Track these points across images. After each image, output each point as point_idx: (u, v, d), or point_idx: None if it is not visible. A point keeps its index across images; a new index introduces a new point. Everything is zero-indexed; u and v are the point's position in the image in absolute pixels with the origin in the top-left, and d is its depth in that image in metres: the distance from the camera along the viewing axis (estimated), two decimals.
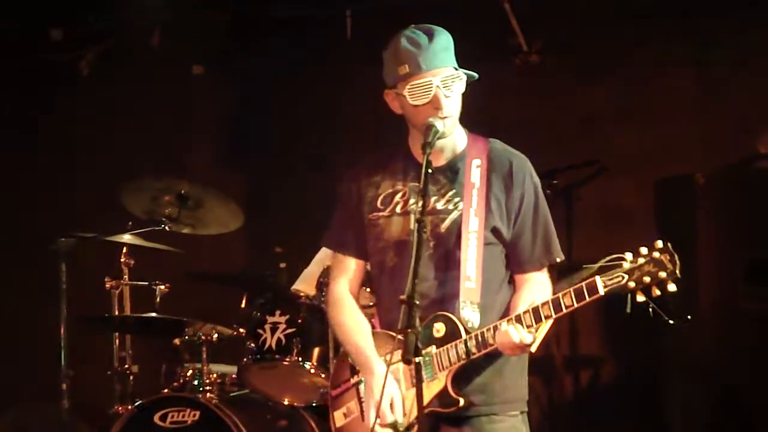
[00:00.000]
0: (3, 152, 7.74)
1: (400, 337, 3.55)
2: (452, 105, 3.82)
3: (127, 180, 6.16)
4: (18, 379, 7.43)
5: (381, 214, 3.99)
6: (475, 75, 3.89)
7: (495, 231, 3.87)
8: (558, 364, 6.82)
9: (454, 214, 3.88)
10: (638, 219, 6.80)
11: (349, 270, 4.14)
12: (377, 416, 3.78)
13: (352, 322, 4.07)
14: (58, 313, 5.74)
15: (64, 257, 5.78)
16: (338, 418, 4.14)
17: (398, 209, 3.96)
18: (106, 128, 7.75)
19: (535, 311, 3.66)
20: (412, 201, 3.92)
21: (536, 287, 3.88)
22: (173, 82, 7.71)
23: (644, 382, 6.80)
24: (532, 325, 3.66)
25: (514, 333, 3.64)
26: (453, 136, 3.93)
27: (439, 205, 3.91)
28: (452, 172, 3.93)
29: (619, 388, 7.00)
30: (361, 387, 4.04)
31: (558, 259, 3.93)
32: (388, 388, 3.78)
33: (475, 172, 3.90)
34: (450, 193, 3.91)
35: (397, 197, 3.97)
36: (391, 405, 3.83)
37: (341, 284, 4.14)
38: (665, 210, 6.23)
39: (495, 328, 3.70)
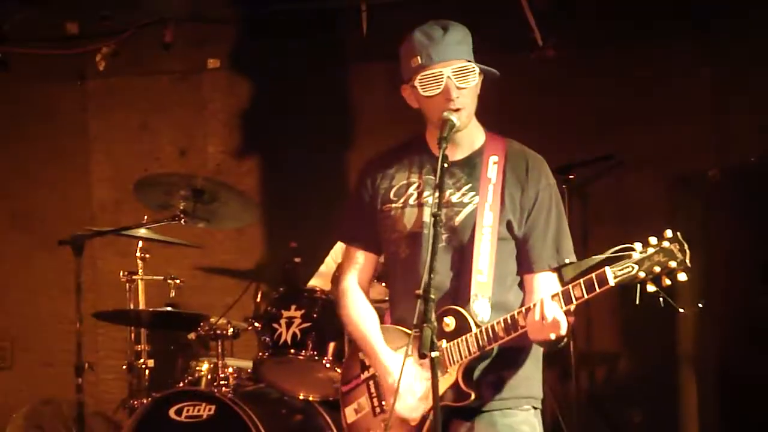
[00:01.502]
0: (19, 147, 7.76)
1: (414, 332, 3.56)
2: (465, 97, 3.83)
3: (143, 174, 6.17)
4: (34, 374, 7.46)
5: (394, 205, 3.99)
6: (496, 72, 3.89)
7: (509, 225, 3.87)
8: (572, 360, 6.81)
9: (469, 208, 3.88)
10: (653, 215, 6.78)
11: (359, 263, 4.15)
12: (394, 400, 3.79)
13: (359, 313, 4.09)
14: (73, 308, 5.75)
15: (81, 251, 5.78)
16: (349, 414, 4.14)
17: (412, 201, 3.96)
18: (121, 122, 7.77)
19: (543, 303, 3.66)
20: (426, 193, 3.93)
21: (545, 289, 3.81)
22: (188, 76, 7.73)
23: (658, 377, 6.80)
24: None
25: (548, 308, 3.60)
26: (470, 132, 3.94)
27: (455, 198, 3.91)
28: (469, 167, 3.94)
29: (634, 383, 7.00)
30: (372, 383, 4.05)
31: (568, 260, 3.88)
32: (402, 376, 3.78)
33: (492, 168, 3.90)
34: (466, 187, 3.91)
35: (411, 189, 3.97)
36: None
37: (350, 277, 4.16)
38: (680, 206, 6.21)
39: (527, 309, 3.68)
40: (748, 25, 6.62)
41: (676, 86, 6.88)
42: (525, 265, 3.92)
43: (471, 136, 3.95)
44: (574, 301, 3.61)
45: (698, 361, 6.13)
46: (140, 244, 6.31)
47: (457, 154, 3.94)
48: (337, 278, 5.54)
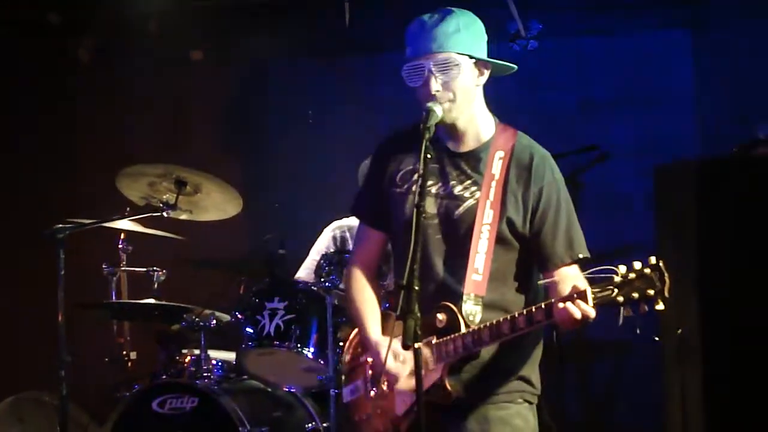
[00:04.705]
0: (1, 138, 7.73)
1: (397, 323, 3.55)
2: (449, 90, 3.80)
3: (125, 166, 6.14)
4: (16, 366, 7.44)
5: (398, 190, 3.97)
6: (511, 65, 3.93)
7: (510, 223, 3.83)
8: (558, 353, 6.81)
9: (470, 202, 3.85)
10: (637, 205, 6.80)
11: (367, 240, 4.14)
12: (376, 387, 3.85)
13: (360, 296, 4.08)
14: (56, 300, 5.73)
15: (62, 244, 5.76)
16: (346, 394, 4.17)
17: (414, 188, 3.89)
18: (104, 114, 7.76)
19: (528, 314, 3.65)
20: (430, 182, 3.88)
21: (569, 282, 3.73)
22: (172, 68, 7.70)
23: (643, 369, 6.81)
24: (524, 329, 3.66)
25: (574, 309, 3.55)
26: (476, 124, 3.91)
27: (456, 191, 3.88)
28: (475, 161, 3.90)
29: (618, 375, 7.02)
30: (368, 367, 4.07)
31: (581, 255, 3.85)
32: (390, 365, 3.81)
33: (497, 164, 3.86)
34: (468, 181, 3.88)
35: (416, 176, 3.91)
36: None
37: (358, 256, 4.16)
38: (664, 197, 6.21)
39: (512, 317, 3.67)
40: (732, 13, 6.65)
41: (659, 75, 6.89)
42: (540, 263, 3.89)
43: (477, 128, 3.92)
44: (555, 317, 3.60)
45: (682, 352, 6.13)
46: (123, 235, 6.29)
47: (463, 146, 3.92)
48: (321, 266, 5.57)
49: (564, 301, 3.55)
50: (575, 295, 3.54)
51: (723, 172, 5.95)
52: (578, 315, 3.53)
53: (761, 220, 5.71)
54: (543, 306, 3.62)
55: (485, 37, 3.93)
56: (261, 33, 7.43)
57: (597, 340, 7.05)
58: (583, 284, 3.60)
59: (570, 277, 3.79)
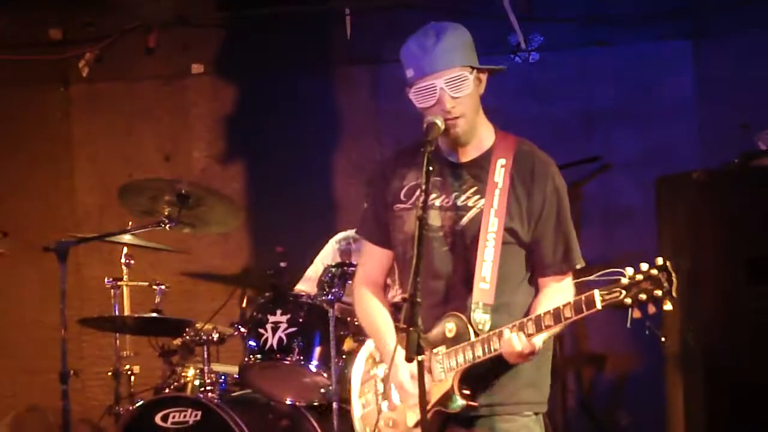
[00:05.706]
0: (2, 153, 7.73)
1: (401, 335, 3.55)
2: (462, 105, 3.79)
3: (127, 180, 6.15)
4: (18, 381, 7.43)
5: (403, 206, 3.97)
6: (499, 68, 3.90)
7: (512, 232, 3.84)
8: (559, 361, 6.82)
9: (474, 212, 3.85)
10: (639, 217, 6.80)
11: (373, 258, 4.15)
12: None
13: (372, 310, 4.09)
14: (58, 314, 5.73)
15: (65, 258, 5.77)
16: (357, 407, 4.17)
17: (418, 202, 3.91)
18: (105, 128, 7.75)
19: (537, 320, 3.65)
20: (433, 195, 3.88)
21: (557, 293, 3.81)
22: (173, 81, 7.71)
23: (645, 378, 6.81)
24: (534, 334, 3.66)
25: (516, 342, 3.63)
26: (478, 133, 3.90)
27: (459, 201, 3.88)
28: (477, 170, 3.90)
29: (620, 384, 7.01)
30: (379, 381, 4.08)
31: (578, 266, 3.88)
32: (398, 377, 3.83)
33: (499, 172, 3.86)
34: (471, 190, 3.88)
35: (419, 190, 3.91)
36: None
37: (365, 273, 4.17)
38: (666, 208, 6.22)
39: (500, 334, 3.68)
40: (732, 24, 6.67)
41: (660, 86, 6.90)
42: (537, 270, 3.91)
43: (479, 137, 3.91)
44: (563, 321, 3.60)
45: (685, 361, 6.13)
46: (125, 250, 6.30)
47: (464, 155, 3.92)
48: (323, 282, 5.57)
49: (573, 304, 3.56)
50: (583, 299, 3.55)
51: (724, 183, 5.96)
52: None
53: (763, 231, 5.72)
54: (551, 311, 3.63)
55: (473, 45, 3.93)
56: (262, 45, 7.44)
57: (599, 351, 7.06)
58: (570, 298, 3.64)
59: (563, 289, 3.84)
